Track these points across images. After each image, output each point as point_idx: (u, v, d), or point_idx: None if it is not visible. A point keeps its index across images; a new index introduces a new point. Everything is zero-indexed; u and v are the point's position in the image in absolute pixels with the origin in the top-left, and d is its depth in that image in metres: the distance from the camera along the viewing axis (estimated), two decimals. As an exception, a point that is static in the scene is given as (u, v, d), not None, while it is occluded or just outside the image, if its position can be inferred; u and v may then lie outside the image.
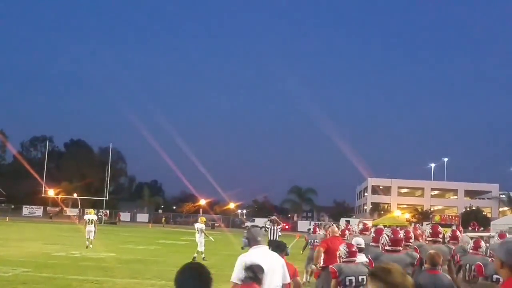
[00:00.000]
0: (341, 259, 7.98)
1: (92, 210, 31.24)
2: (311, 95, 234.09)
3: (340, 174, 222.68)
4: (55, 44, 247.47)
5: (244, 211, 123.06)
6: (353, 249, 8.08)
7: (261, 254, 6.41)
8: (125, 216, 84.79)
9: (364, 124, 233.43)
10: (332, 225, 13.78)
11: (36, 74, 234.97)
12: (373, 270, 3.54)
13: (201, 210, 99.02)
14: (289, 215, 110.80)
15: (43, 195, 73.73)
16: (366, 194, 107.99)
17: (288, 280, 6.55)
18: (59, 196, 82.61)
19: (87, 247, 26.40)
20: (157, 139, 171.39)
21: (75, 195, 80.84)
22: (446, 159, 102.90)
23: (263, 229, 18.51)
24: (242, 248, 6.91)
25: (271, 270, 6.27)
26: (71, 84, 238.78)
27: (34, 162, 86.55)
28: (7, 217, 62.65)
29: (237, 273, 6.15)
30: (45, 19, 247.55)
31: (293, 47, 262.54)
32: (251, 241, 6.61)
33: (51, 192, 77.04)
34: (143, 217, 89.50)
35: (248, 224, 75.96)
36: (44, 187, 72.55)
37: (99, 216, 31.29)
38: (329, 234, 12.33)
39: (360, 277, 7.79)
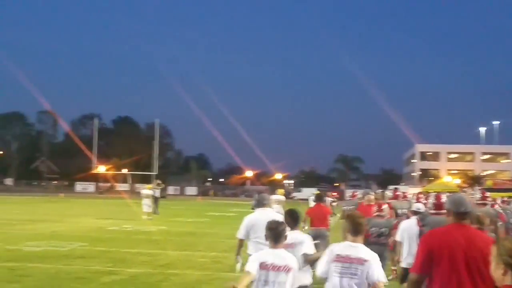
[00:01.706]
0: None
1: (149, 185, 32.60)
2: (356, 61, 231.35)
3: (387, 141, 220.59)
4: (102, 23, 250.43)
5: (291, 182, 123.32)
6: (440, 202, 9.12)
7: (263, 214, 8.27)
8: (173, 190, 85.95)
9: (411, 89, 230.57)
10: (369, 193, 14.11)
11: (82, 53, 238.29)
12: None
13: (248, 181, 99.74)
14: (336, 184, 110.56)
15: (94, 172, 75.27)
16: (414, 160, 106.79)
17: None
18: (110, 172, 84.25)
19: (147, 218, 28.29)
20: (202, 113, 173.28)
21: (124, 171, 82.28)
22: (497, 122, 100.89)
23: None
24: (252, 208, 9.19)
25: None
26: (116, 62, 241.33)
27: (84, 140, 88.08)
28: (62, 194, 64.33)
29: (240, 230, 8.49)
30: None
31: (335, 11, 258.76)
32: (259, 204, 8.74)
33: (101, 169, 78.56)
34: (191, 190, 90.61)
35: (296, 194, 76.41)
36: (95, 164, 74.06)
37: (158, 189, 32.32)
38: (364, 202, 13.42)
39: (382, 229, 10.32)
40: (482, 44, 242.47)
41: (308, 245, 6.85)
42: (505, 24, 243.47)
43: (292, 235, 6.51)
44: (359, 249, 5.45)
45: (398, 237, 9.50)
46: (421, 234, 8.70)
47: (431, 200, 9.99)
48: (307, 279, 6.88)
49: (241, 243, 8.66)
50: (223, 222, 28.98)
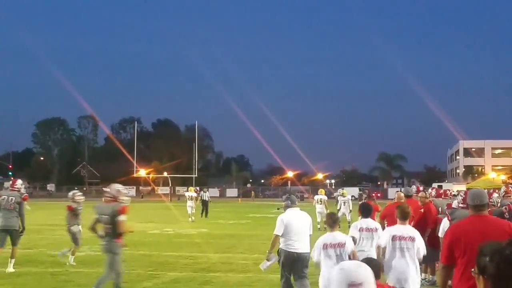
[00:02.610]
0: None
1: (192, 188, 33.13)
2: (397, 57, 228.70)
3: (430, 138, 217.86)
4: (141, 26, 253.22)
5: (333, 181, 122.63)
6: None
7: (294, 213, 9.85)
8: (214, 192, 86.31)
9: (455, 84, 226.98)
10: (400, 190, 14.32)
11: (121, 57, 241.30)
12: None
13: (289, 182, 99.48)
14: (379, 183, 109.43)
15: (135, 175, 75.93)
16: (458, 157, 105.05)
17: (311, 232, 9.84)
18: (150, 176, 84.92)
19: (190, 220, 29.37)
20: (242, 114, 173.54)
21: (165, 174, 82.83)
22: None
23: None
24: (278, 209, 11.03)
25: (302, 224, 9.68)
26: (155, 65, 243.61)
27: (124, 144, 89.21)
28: (103, 198, 64.89)
29: (277, 227, 9.62)
30: (130, 1, 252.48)
31: (379, 7, 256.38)
32: (289, 205, 9.96)
33: (142, 172, 79.22)
34: (232, 192, 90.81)
35: (336, 193, 75.71)
36: (136, 168, 74.74)
37: (200, 193, 32.98)
38: (396, 199, 13.52)
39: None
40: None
41: (351, 245, 8.13)
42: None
43: (335, 235, 7.94)
44: (408, 230, 7.86)
45: (440, 233, 10.37)
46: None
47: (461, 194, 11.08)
48: None
49: (277, 240, 9.69)
50: (264, 223, 28.80)
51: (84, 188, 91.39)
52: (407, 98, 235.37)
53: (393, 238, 7.75)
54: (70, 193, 15.65)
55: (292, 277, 9.77)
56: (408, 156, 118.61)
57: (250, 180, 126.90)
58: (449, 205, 11.62)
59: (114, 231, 9.66)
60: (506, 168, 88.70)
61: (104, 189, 30.83)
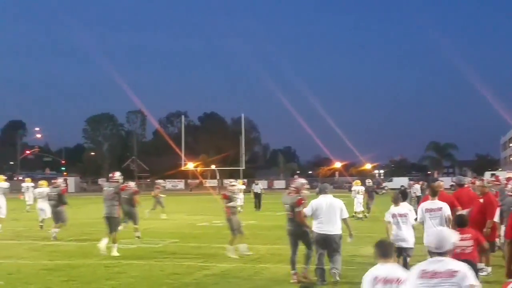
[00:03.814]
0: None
1: (240, 180, 33.57)
2: (446, 42, 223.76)
3: (482, 126, 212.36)
4: (186, 20, 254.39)
5: (381, 171, 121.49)
6: None
7: (325, 198, 11.05)
8: (262, 184, 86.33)
9: (505, 71, 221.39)
10: (438, 180, 14.16)
11: (167, 51, 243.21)
12: None
13: (336, 173, 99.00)
14: (429, 173, 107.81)
15: (183, 169, 76.66)
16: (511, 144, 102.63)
17: (346, 215, 10.99)
18: (198, 169, 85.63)
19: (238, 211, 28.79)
20: (288, 105, 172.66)
21: (212, 167, 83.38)
22: None
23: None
24: (317, 193, 11.64)
25: (331, 208, 10.83)
26: (200, 59, 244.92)
27: (172, 137, 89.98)
28: (152, 192, 65.81)
29: (309, 209, 11.08)
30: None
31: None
32: (321, 191, 11.34)
33: (190, 165, 79.92)
34: (279, 183, 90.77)
35: (386, 183, 75.24)
36: (184, 161, 75.41)
37: (252, 186, 33.38)
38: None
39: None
40: None
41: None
42: None
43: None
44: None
45: (496, 218, 11.18)
46: (500, 212, 10.91)
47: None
48: None
49: (292, 214, 11.59)
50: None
51: (134, 182, 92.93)
52: (458, 85, 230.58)
53: (425, 210, 10.73)
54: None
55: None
56: (459, 144, 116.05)
57: (298, 172, 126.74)
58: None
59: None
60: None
61: (157, 181, 31.51)
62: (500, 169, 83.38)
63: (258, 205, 33.67)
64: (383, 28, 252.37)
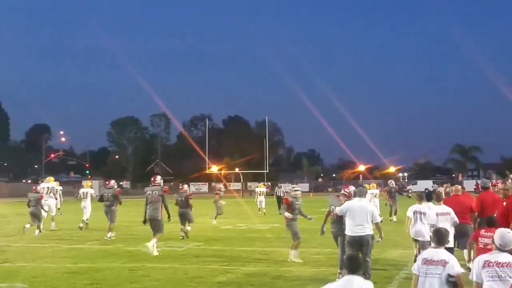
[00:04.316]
0: None
1: (262, 183, 33.85)
2: (470, 43, 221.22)
3: (507, 128, 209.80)
4: (210, 23, 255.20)
5: (406, 174, 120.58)
6: None
7: (358, 201, 11.49)
8: (286, 187, 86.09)
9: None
10: (476, 182, 14.04)
11: (191, 54, 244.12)
12: None
13: (360, 176, 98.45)
14: (453, 175, 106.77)
15: (207, 172, 76.79)
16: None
17: (377, 219, 11.48)
18: (222, 172, 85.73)
19: (260, 212, 31.52)
20: (312, 108, 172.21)
21: (236, 170, 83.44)
22: None
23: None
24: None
25: (362, 211, 11.19)
26: (224, 62, 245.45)
27: (196, 141, 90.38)
28: (175, 194, 65.94)
29: (342, 209, 11.58)
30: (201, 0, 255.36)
31: None
32: (356, 195, 11.78)
33: (214, 169, 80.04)
34: (303, 186, 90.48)
35: (410, 186, 74.68)
36: (208, 164, 75.57)
37: (275, 189, 33.35)
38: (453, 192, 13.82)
39: None
40: None
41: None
42: None
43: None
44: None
45: None
46: None
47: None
48: None
49: (335, 216, 12.22)
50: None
51: (187, 185, 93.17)
52: (483, 88, 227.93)
53: (437, 214, 11.91)
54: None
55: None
56: (484, 147, 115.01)
57: (321, 175, 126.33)
58: None
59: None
60: None
61: (217, 186, 31.53)
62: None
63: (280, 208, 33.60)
64: (408, 30, 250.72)
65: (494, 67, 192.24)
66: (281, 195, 34.40)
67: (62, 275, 12.61)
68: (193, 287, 11.37)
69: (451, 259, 6.67)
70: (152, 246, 15.48)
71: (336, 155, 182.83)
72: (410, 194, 34.58)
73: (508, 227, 10.89)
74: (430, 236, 9.43)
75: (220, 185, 31.27)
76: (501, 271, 6.26)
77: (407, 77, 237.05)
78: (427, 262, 6.67)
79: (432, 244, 7.13)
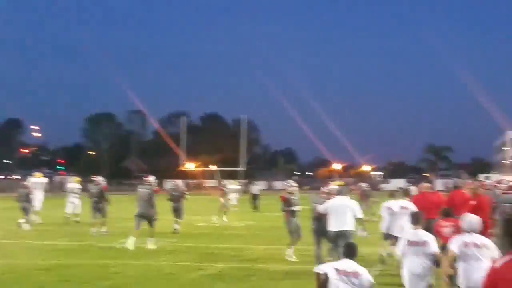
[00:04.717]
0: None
1: (233, 181, 33.71)
2: (443, 46, 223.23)
3: (478, 129, 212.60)
4: (187, 21, 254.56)
5: (380, 173, 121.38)
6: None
7: (339, 199, 12.06)
8: (262, 184, 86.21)
9: (501, 75, 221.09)
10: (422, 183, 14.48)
11: (168, 51, 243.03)
12: None
13: (335, 174, 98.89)
14: (425, 175, 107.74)
15: (183, 169, 76.43)
16: (505, 148, 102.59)
17: (359, 215, 11.99)
18: (198, 169, 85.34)
19: (234, 208, 30.09)
20: (289, 106, 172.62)
21: (213, 167, 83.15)
22: None
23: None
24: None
25: (343, 208, 11.76)
26: (202, 59, 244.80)
27: (172, 138, 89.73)
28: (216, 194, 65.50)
29: (324, 207, 12.17)
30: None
31: None
32: (338, 193, 12.37)
33: (190, 166, 79.67)
34: (279, 184, 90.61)
35: (384, 185, 75.19)
36: (183, 161, 75.19)
37: (249, 187, 32.82)
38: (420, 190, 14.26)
39: None
40: None
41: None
42: None
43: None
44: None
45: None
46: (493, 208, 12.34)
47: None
48: None
49: (320, 216, 12.49)
50: (310, 215, 28.65)
51: (133, 182, 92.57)
52: (455, 89, 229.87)
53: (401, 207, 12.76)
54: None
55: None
56: (455, 147, 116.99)
57: (297, 173, 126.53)
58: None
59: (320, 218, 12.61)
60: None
61: (221, 183, 31.38)
62: (494, 172, 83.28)
63: (255, 206, 33.53)
64: (382, 31, 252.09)
65: (466, 69, 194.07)
66: (256, 193, 34.42)
67: (31, 272, 12.41)
68: (166, 283, 11.28)
69: (430, 239, 8.10)
70: (150, 243, 16.20)
71: (313, 154, 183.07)
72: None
73: None
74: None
75: (225, 182, 31.18)
76: (476, 251, 7.42)
77: (381, 78, 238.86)
78: (410, 243, 8.04)
79: (411, 226, 8.50)
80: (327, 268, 6.63)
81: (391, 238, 12.73)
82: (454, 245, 7.58)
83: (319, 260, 12.08)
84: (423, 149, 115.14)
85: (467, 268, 7.45)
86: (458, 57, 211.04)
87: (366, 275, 6.48)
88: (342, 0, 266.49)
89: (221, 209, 26.32)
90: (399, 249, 8.23)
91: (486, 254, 7.37)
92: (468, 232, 7.67)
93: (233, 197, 31.17)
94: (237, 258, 14.33)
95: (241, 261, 13.85)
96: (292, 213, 14.58)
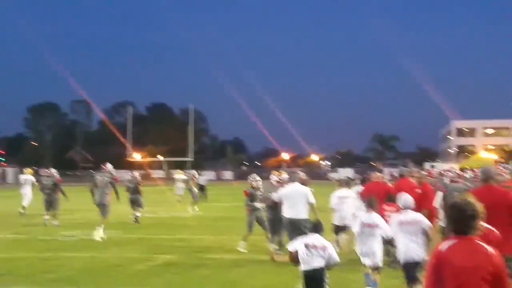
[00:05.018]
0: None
1: (180, 171, 33.18)
2: (390, 36, 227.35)
3: (423, 119, 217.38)
4: (134, 11, 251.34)
5: (328, 163, 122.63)
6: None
7: (292, 186, 12.19)
8: (210, 174, 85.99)
9: (447, 64, 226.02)
10: (374, 172, 14.52)
11: (114, 41, 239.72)
12: None
13: (284, 164, 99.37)
14: (373, 164, 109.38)
15: (129, 159, 75.49)
16: (450, 137, 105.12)
17: (312, 200, 11.89)
18: (145, 160, 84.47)
19: (178, 201, 29.74)
20: (237, 96, 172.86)
21: (160, 157, 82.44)
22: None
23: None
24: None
25: (297, 195, 11.87)
26: (148, 49, 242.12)
27: (118, 128, 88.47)
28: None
29: (277, 195, 12.42)
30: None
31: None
32: (290, 180, 12.66)
33: (137, 156, 78.78)
34: (228, 174, 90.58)
35: (332, 174, 76.08)
36: (130, 152, 74.31)
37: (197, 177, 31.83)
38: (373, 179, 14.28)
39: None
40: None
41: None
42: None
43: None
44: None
45: (436, 204, 12.59)
46: (444, 197, 12.58)
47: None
48: None
49: (274, 204, 12.66)
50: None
51: (78, 173, 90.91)
52: (401, 79, 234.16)
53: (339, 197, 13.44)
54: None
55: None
56: (402, 136, 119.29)
57: (246, 163, 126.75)
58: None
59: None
60: (497, 148, 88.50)
61: (191, 172, 30.45)
62: (439, 161, 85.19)
63: (203, 196, 33.23)
64: (327, 24, 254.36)
65: (412, 59, 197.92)
66: (203, 184, 34.11)
67: (-30, 266, 11.95)
68: (112, 275, 11.00)
69: (382, 222, 9.05)
70: (98, 230, 15.92)
71: (262, 144, 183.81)
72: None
73: (421, 211, 11.45)
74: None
75: (194, 171, 30.58)
76: (410, 227, 8.30)
77: (329, 68, 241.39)
78: (365, 225, 8.96)
79: (366, 210, 9.33)
80: (298, 244, 7.19)
81: (340, 229, 13.08)
82: (393, 223, 8.59)
83: (278, 246, 12.67)
84: (370, 138, 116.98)
85: (404, 243, 8.27)
86: (404, 48, 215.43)
87: (332, 248, 7.18)
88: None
89: (194, 199, 25.99)
90: (355, 229, 9.21)
91: (419, 230, 8.28)
92: (404, 209, 8.60)
93: (180, 188, 30.83)
94: (185, 249, 14.12)
95: (189, 252, 13.65)
96: (255, 208, 13.99)
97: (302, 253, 7.04)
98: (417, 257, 8.14)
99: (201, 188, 33.55)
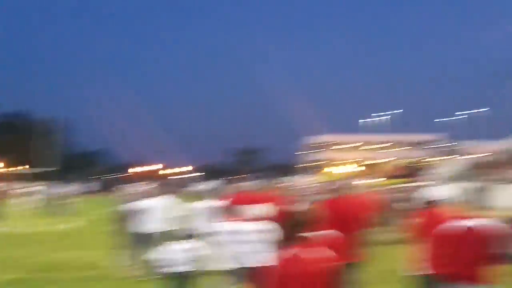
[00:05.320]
0: None
1: (38, 183, 32.31)
2: (245, 50, 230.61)
3: (283, 133, 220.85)
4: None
5: (192, 175, 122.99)
6: None
7: (149, 200, 12.21)
8: (72, 186, 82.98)
9: (298, 81, 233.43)
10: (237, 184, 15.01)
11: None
12: None
13: (148, 176, 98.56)
14: (230, 178, 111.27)
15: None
16: (303, 152, 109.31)
17: (174, 213, 11.63)
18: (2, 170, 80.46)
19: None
20: (102, 107, 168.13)
21: (21, 168, 78.98)
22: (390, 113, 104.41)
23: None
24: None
25: (153, 207, 11.95)
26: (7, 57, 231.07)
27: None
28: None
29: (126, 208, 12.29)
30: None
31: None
32: (150, 193, 12.70)
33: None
34: (92, 186, 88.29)
35: (197, 185, 76.13)
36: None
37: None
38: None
39: None
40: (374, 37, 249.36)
41: None
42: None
43: None
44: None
45: None
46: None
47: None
48: None
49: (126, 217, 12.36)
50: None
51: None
52: (265, 95, 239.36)
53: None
54: None
55: None
56: (267, 149, 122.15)
57: (112, 174, 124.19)
58: None
59: None
60: (351, 162, 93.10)
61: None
62: (294, 175, 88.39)
63: (63, 209, 32.11)
64: (195, 34, 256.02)
65: (272, 76, 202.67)
66: (56, 196, 32.97)
67: None
68: None
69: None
70: None
71: (126, 154, 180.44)
72: None
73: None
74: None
75: (41, 185, 29.43)
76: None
77: (196, 81, 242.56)
78: (229, 232, 8.61)
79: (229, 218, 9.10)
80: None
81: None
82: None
83: (131, 260, 12.08)
84: (235, 151, 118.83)
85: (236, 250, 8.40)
86: (264, 64, 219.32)
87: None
88: None
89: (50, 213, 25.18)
90: (220, 239, 8.93)
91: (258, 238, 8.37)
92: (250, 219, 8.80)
93: (36, 200, 29.84)
94: (28, 267, 13.63)
95: (31, 270, 13.24)
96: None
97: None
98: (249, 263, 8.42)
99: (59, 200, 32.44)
